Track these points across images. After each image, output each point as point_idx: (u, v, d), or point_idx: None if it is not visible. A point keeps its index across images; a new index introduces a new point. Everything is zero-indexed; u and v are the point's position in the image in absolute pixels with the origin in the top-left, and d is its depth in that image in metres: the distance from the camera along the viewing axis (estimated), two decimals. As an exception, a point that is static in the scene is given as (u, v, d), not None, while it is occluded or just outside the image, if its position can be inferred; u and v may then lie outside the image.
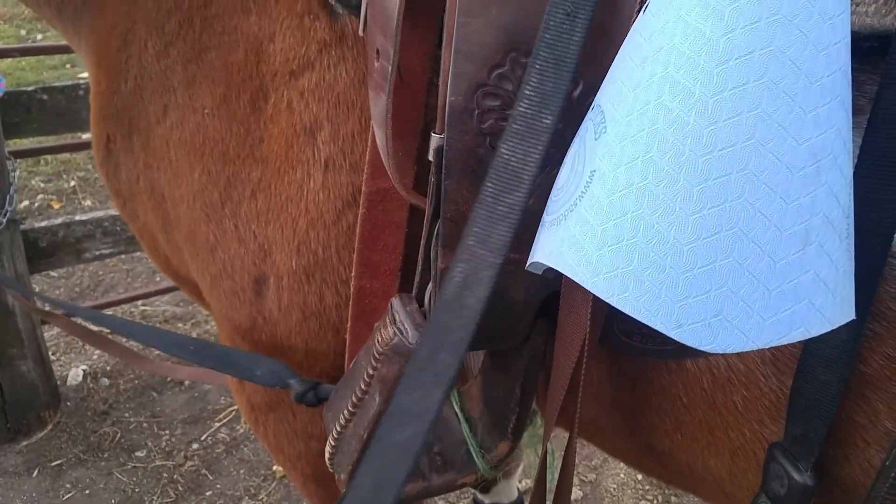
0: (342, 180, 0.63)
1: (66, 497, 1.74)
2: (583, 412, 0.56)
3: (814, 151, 0.36)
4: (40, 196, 3.05)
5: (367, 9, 0.53)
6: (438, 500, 1.78)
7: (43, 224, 1.84)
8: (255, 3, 0.63)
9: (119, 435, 1.91)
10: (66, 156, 3.26)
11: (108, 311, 2.34)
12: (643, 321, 0.37)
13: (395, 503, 0.34)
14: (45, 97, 1.79)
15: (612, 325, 0.55)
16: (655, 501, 1.81)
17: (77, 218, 1.89)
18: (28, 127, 1.80)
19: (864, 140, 0.43)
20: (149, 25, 0.68)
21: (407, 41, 0.50)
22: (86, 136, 2.98)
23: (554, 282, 0.52)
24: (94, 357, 2.18)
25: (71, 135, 3.01)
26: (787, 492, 0.51)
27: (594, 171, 0.39)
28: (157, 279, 2.59)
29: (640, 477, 1.87)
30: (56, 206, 3.00)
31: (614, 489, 1.85)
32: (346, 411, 0.57)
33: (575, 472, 1.92)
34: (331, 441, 0.59)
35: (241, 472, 1.81)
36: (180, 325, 2.34)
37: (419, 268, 0.55)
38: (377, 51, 0.51)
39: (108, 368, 2.13)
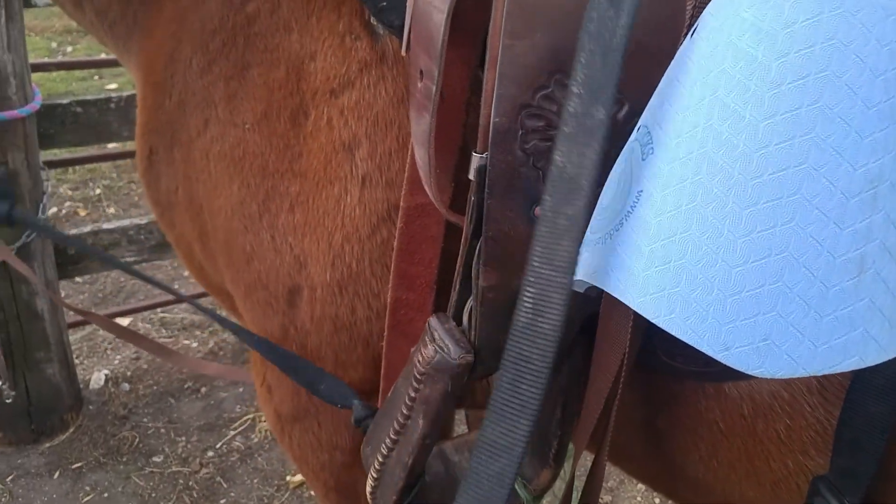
0: (378, 196, 0.64)
1: (86, 500, 1.75)
2: (613, 434, 0.55)
3: (871, 177, 0.36)
4: (67, 203, 3.11)
5: (410, 30, 0.54)
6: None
7: (73, 232, 1.88)
8: (297, 22, 0.65)
9: (137, 440, 1.93)
10: (92, 165, 3.32)
11: (129, 318, 2.38)
12: (690, 343, 0.37)
13: None
14: (79, 110, 1.83)
15: (654, 346, 0.55)
16: (672, 525, 1.79)
17: (104, 226, 1.92)
18: (62, 138, 1.84)
19: None
20: (194, 44, 0.70)
21: (449, 62, 0.51)
22: (112, 146, 3.04)
23: (595, 301, 0.52)
24: (116, 362, 2.21)
25: (98, 145, 3.07)
26: None
27: (641, 191, 0.39)
28: (176, 287, 2.62)
29: (657, 501, 1.84)
30: (82, 213, 3.06)
31: (630, 511, 1.83)
32: (388, 440, 0.56)
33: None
34: (372, 474, 0.58)
35: (255, 481, 1.82)
36: (198, 332, 2.37)
37: (456, 286, 0.55)
38: (421, 71, 0.52)
39: (129, 373, 2.16)
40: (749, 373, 0.36)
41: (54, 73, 4.18)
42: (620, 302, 0.49)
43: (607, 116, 0.37)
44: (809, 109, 0.35)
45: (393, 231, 0.64)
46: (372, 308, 0.68)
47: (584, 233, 0.39)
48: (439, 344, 0.53)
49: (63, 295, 2.42)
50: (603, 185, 0.42)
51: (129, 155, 2.31)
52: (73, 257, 1.87)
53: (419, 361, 0.53)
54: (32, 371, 1.81)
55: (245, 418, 2.01)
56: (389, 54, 0.63)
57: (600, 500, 1.91)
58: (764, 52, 0.35)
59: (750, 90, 0.36)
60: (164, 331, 2.39)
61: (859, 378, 0.47)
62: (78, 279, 2.58)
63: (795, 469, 0.55)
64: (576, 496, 0.64)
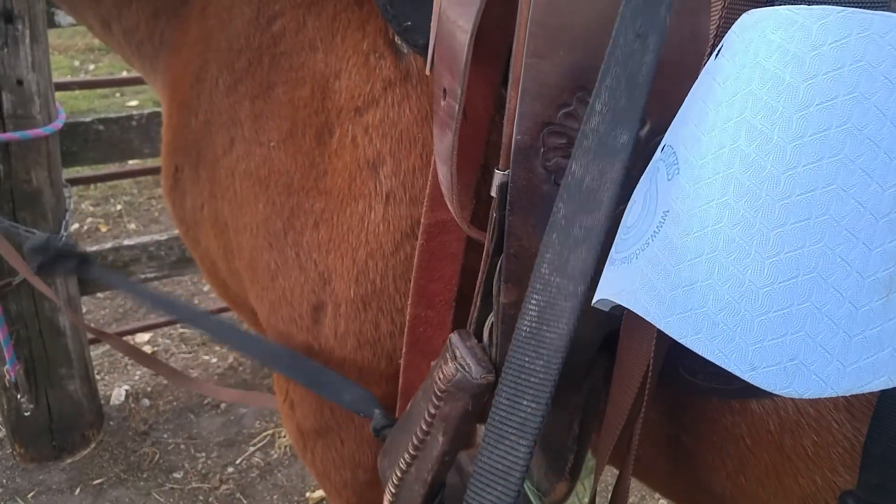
0: (402, 213, 0.65)
1: (107, 516, 1.77)
2: (637, 450, 0.55)
3: None
4: (89, 219, 3.16)
5: (434, 49, 0.55)
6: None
7: (94, 248, 1.91)
8: (322, 41, 0.66)
9: (158, 455, 1.94)
10: (113, 181, 3.38)
11: (149, 333, 2.40)
12: (716, 363, 0.37)
13: None
14: (101, 127, 1.87)
15: (675, 363, 0.55)
16: (696, 543, 1.76)
17: (125, 243, 1.95)
18: (84, 156, 1.88)
19: None
20: (220, 63, 0.72)
21: (472, 80, 0.51)
22: (133, 163, 3.09)
23: (617, 318, 0.52)
24: (136, 377, 2.23)
25: (120, 162, 3.13)
26: None
27: (667, 211, 0.39)
28: (196, 302, 2.65)
29: (678, 517, 1.82)
30: (104, 228, 3.10)
31: (651, 529, 1.80)
32: (406, 455, 0.56)
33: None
34: (390, 488, 0.58)
35: (275, 497, 1.82)
36: (217, 348, 2.38)
37: (476, 302, 0.56)
38: (444, 89, 0.52)
39: (149, 389, 2.17)
40: (777, 392, 0.36)
41: (77, 91, 4.27)
42: (643, 319, 0.49)
43: (630, 140, 0.37)
44: (838, 131, 0.35)
45: (416, 247, 0.65)
46: (395, 324, 0.69)
47: (601, 245, 0.39)
48: (461, 362, 0.53)
49: (84, 311, 2.45)
50: (624, 203, 0.43)
51: (150, 172, 2.35)
52: (95, 273, 1.90)
53: (440, 379, 0.53)
54: (54, 387, 1.83)
55: (265, 434, 2.01)
56: (413, 73, 0.63)
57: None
58: (791, 73, 0.36)
59: (777, 111, 0.36)
60: (183, 346, 2.41)
61: (886, 394, 0.47)
62: (99, 295, 2.61)
63: (824, 485, 0.55)
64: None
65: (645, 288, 0.39)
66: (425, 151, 0.64)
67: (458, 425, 0.53)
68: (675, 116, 0.42)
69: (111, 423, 2.04)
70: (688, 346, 0.37)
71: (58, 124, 1.64)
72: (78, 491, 1.82)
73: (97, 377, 2.08)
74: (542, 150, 0.48)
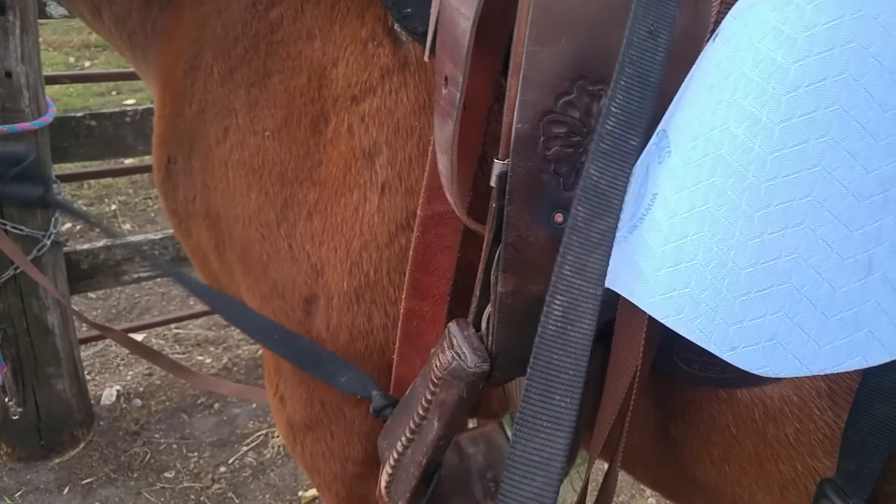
0: (397, 204, 0.64)
1: (96, 515, 1.75)
2: (627, 441, 0.55)
3: (882, 180, 0.36)
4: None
5: (435, 36, 0.55)
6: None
7: (85, 247, 1.89)
8: (319, 29, 0.66)
9: (149, 455, 1.92)
10: (108, 180, 3.36)
11: (143, 333, 2.38)
12: (697, 343, 0.37)
13: None
14: (93, 123, 1.85)
15: (671, 353, 0.55)
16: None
17: (118, 241, 1.93)
18: (75, 152, 1.85)
19: None
20: (215, 51, 0.71)
21: (472, 69, 0.51)
22: (128, 162, 3.07)
23: (613, 308, 0.52)
24: (128, 378, 2.21)
25: (113, 160, 3.11)
26: None
27: (656, 194, 0.39)
28: (191, 303, 2.63)
29: (670, 517, 1.81)
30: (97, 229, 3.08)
31: (643, 528, 1.79)
32: (403, 438, 0.57)
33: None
34: (387, 469, 0.59)
35: (267, 496, 1.81)
36: (212, 348, 2.37)
37: (476, 292, 0.55)
38: (445, 77, 0.52)
39: (141, 389, 2.15)
40: (754, 372, 0.37)
41: (71, 89, 4.25)
42: (637, 309, 0.49)
43: (641, 144, 0.39)
44: (826, 112, 0.35)
45: (411, 239, 0.64)
46: (389, 316, 0.68)
47: (612, 247, 0.40)
48: (457, 351, 0.53)
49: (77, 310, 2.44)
50: None
51: (145, 170, 2.33)
52: (85, 272, 1.88)
53: (437, 366, 0.53)
54: (42, 386, 1.81)
55: (258, 434, 2.00)
56: (412, 61, 0.63)
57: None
58: (783, 55, 0.36)
59: (768, 93, 0.36)
60: (177, 347, 2.39)
61: (867, 381, 0.48)
62: (91, 295, 2.59)
63: (804, 471, 0.56)
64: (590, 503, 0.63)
65: (630, 269, 0.39)
66: (422, 141, 0.63)
67: (453, 412, 0.53)
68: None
69: (101, 422, 2.02)
70: (670, 326, 0.37)
71: (48, 118, 1.62)
72: (66, 490, 1.80)
73: (88, 377, 2.06)
74: (542, 138, 0.47)
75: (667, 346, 0.55)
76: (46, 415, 1.84)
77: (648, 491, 1.86)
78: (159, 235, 1.97)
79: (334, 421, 0.77)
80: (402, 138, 0.63)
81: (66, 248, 1.82)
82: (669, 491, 0.75)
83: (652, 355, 0.54)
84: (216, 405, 2.10)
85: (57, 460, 1.87)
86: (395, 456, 0.58)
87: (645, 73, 0.39)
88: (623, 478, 1.85)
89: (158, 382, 2.18)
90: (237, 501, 1.78)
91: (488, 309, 0.54)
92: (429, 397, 0.54)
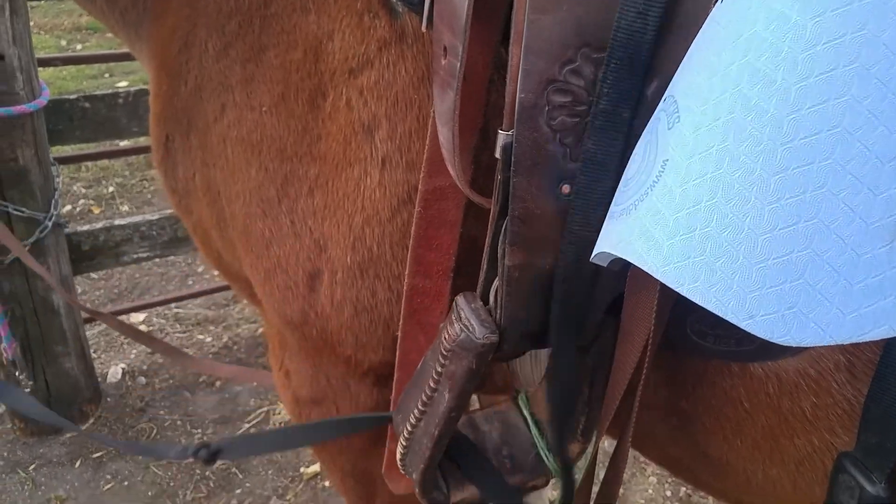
0: (398, 178, 0.64)
1: (106, 488, 1.77)
2: (636, 416, 0.55)
3: None
4: (81, 201, 3.13)
5: (431, 6, 0.53)
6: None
7: (85, 228, 1.89)
8: (314, 2, 0.64)
9: (155, 431, 1.94)
10: (105, 163, 3.34)
11: (143, 313, 2.39)
12: (713, 311, 0.36)
13: None
14: (87, 105, 1.83)
15: (684, 326, 0.54)
16: (685, 518, 1.78)
17: (116, 222, 1.93)
18: (70, 134, 1.84)
19: None
20: (209, 27, 0.70)
21: (472, 38, 0.50)
22: (123, 144, 3.05)
23: (623, 280, 0.51)
24: (133, 356, 2.23)
25: (109, 142, 3.08)
26: None
27: (667, 160, 0.38)
28: (191, 283, 2.64)
29: (668, 493, 1.84)
30: (96, 210, 3.07)
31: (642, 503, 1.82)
32: (416, 411, 0.57)
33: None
34: (402, 442, 0.59)
35: (270, 472, 1.83)
36: (212, 327, 2.38)
37: (483, 266, 0.55)
38: (444, 48, 0.51)
39: (145, 367, 2.17)
40: (774, 341, 0.36)
41: (65, 72, 4.20)
42: (646, 280, 0.48)
43: (631, 114, 0.44)
44: (845, 70, 0.34)
45: (413, 213, 0.63)
46: (392, 290, 0.68)
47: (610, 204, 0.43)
48: (465, 323, 0.53)
49: (79, 291, 2.44)
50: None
51: (141, 151, 2.31)
52: (87, 253, 1.88)
53: (446, 339, 0.53)
54: (51, 364, 1.83)
55: (259, 411, 2.02)
56: (409, 32, 0.62)
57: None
58: (799, 12, 0.34)
59: (783, 52, 0.34)
60: (178, 326, 2.40)
61: (889, 353, 0.47)
62: (93, 276, 2.59)
63: (821, 447, 0.55)
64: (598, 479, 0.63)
65: (643, 238, 0.38)
66: (422, 114, 0.62)
67: (463, 383, 0.53)
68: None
69: (108, 399, 2.04)
70: (685, 294, 0.36)
71: (42, 101, 1.60)
72: (78, 464, 1.83)
73: (94, 355, 2.08)
74: (546, 108, 0.46)
75: (679, 319, 0.54)
76: (56, 391, 1.86)
77: (650, 469, 1.88)
78: (157, 216, 1.97)
79: (340, 395, 0.77)
80: (401, 111, 0.62)
81: (66, 230, 1.82)
82: (679, 468, 0.74)
83: (662, 327, 0.53)
84: (218, 383, 2.12)
85: (68, 435, 1.90)
86: (409, 428, 0.58)
87: (634, 54, 0.41)
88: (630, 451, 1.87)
89: (161, 361, 2.19)
90: (241, 477, 1.81)
91: (496, 282, 0.53)
92: (439, 370, 0.54)
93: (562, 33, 0.45)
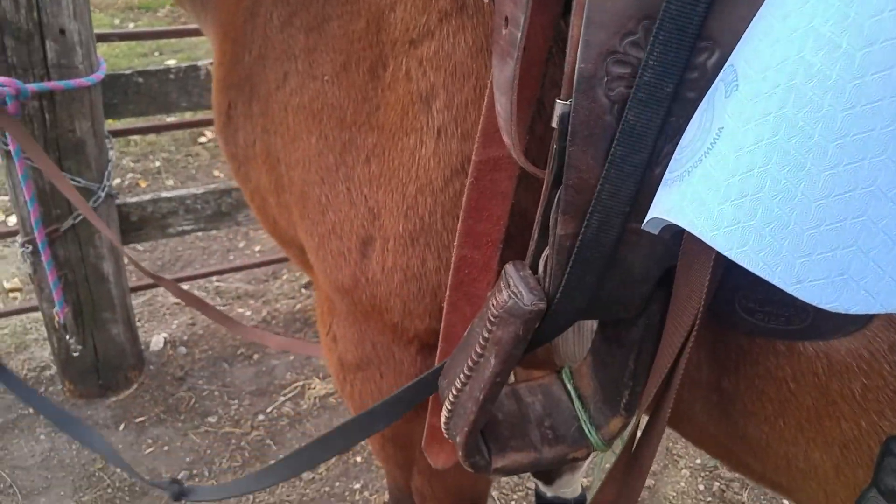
0: (452, 148, 0.65)
1: (148, 451, 1.85)
2: (677, 394, 0.55)
3: None
4: (129, 175, 3.23)
5: (495, -23, 0.55)
6: (493, 492, 1.79)
7: (134, 199, 1.95)
8: None
9: (194, 400, 2.01)
10: (152, 138, 3.44)
11: (186, 285, 2.46)
12: (761, 275, 0.36)
13: None
14: (140, 80, 1.89)
15: (732, 301, 0.54)
16: (717, 510, 1.77)
17: (163, 195, 1.99)
18: (124, 108, 1.91)
19: None
20: None
21: (534, 9, 0.51)
22: (170, 119, 3.13)
23: (675, 253, 0.52)
24: (174, 326, 2.30)
25: (157, 117, 3.17)
26: None
27: (722, 127, 0.38)
28: (231, 258, 2.70)
29: (701, 487, 1.82)
30: (143, 184, 3.17)
31: (673, 497, 1.81)
32: (462, 375, 0.58)
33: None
34: (447, 406, 0.60)
35: (303, 444, 1.87)
36: (252, 301, 2.44)
37: (534, 235, 0.56)
38: (506, 18, 0.52)
39: (186, 338, 2.24)
40: (822, 307, 0.35)
41: (117, 49, 4.32)
42: (700, 251, 0.49)
43: (674, 88, 0.44)
44: None
45: (465, 184, 0.65)
46: (442, 259, 0.69)
47: (641, 181, 0.45)
48: (513, 290, 0.54)
49: (125, 262, 2.53)
50: (669, 140, 0.45)
51: (187, 126, 2.37)
52: (135, 224, 1.94)
53: (493, 305, 0.54)
54: (99, 330, 1.91)
55: (295, 385, 2.07)
56: (469, 3, 0.62)
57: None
58: None
59: (850, 17, 0.34)
60: (218, 299, 2.47)
61: None
62: (139, 247, 2.68)
63: (869, 430, 0.54)
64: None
65: (694, 203, 0.38)
66: (479, 85, 0.63)
67: (509, 349, 0.54)
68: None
69: (151, 367, 2.11)
70: (733, 258, 0.37)
71: (99, 75, 1.66)
72: (122, 427, 1.91)
73: (137, 324, 2.15)
74: (605, 79, 0.47)
75: (728, 295, 0.54)
76: (103, 356, 1.94)
77: (682, 462, 1.87)
78: (202, 190, 2.03)
79: (384, 361, 0.79)
80: (458, 82, 0.63)
81: (117, 202, 1.88)
82: (716, 448, 0.73)
83: (709, 300, 0.53)
84: (255, 356, 2.17)
85: (113, 398, 1.98)
86: (454, 392, 0.59)
87: (683, 27, 0.41)
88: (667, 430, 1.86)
89: (201, 332, 2.26)
90: (275, 448, 1.86)
91: (545, 252, 0.54)
92: (486, 335, 0.55)
93: (624, 5, 0.45)
